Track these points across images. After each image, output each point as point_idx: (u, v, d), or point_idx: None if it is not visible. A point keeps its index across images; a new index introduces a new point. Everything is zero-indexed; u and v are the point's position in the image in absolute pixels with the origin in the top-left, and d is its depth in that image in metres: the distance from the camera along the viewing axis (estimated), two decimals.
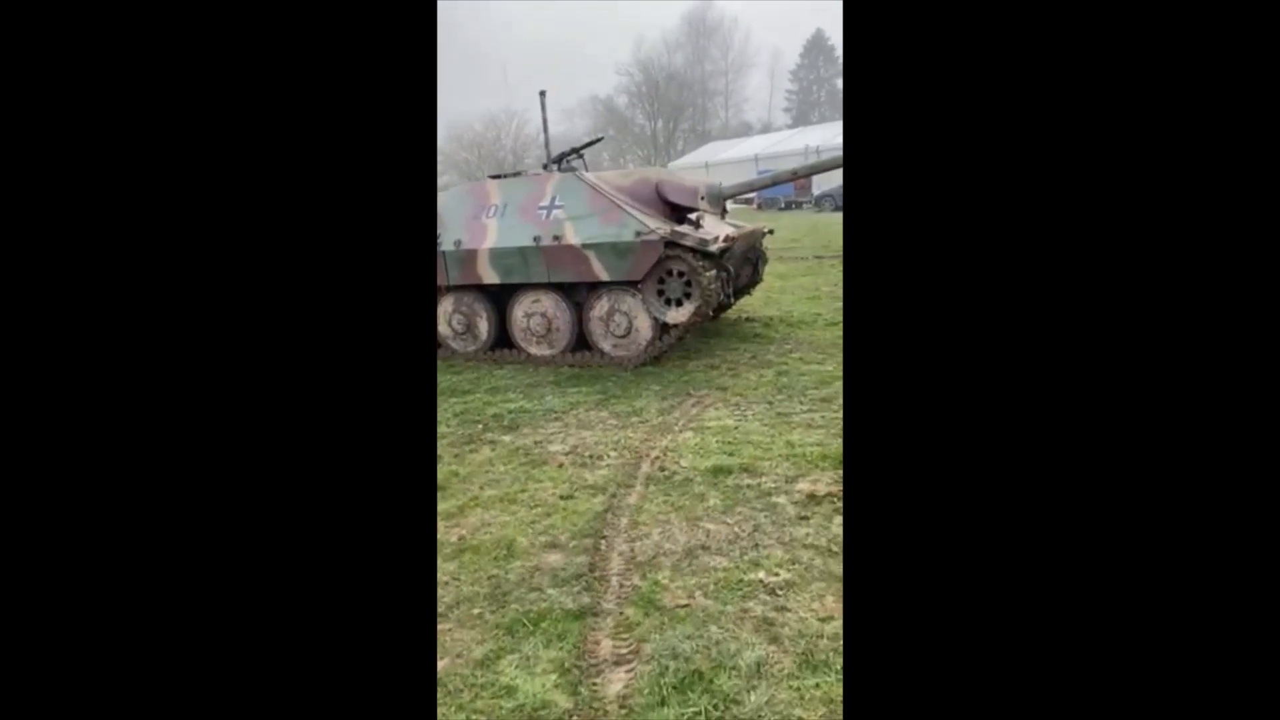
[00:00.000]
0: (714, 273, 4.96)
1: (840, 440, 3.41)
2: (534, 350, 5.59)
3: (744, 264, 6.23)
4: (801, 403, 4.07)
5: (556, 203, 5.38)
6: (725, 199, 5.36)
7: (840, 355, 5.11)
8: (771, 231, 6.82)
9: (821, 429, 3.60)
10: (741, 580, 2.29)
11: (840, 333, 5.79)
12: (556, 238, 5.18)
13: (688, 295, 4.96)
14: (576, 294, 5.42)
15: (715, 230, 5.46)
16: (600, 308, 5.35)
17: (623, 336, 5.30)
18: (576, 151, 6.48)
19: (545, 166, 6.39)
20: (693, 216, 5.19)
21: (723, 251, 5.09)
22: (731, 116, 49.31)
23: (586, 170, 6.24)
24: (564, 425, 4.01)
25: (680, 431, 3.73)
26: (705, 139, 40.49)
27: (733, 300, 5.34)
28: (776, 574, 2.31)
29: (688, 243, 4.84)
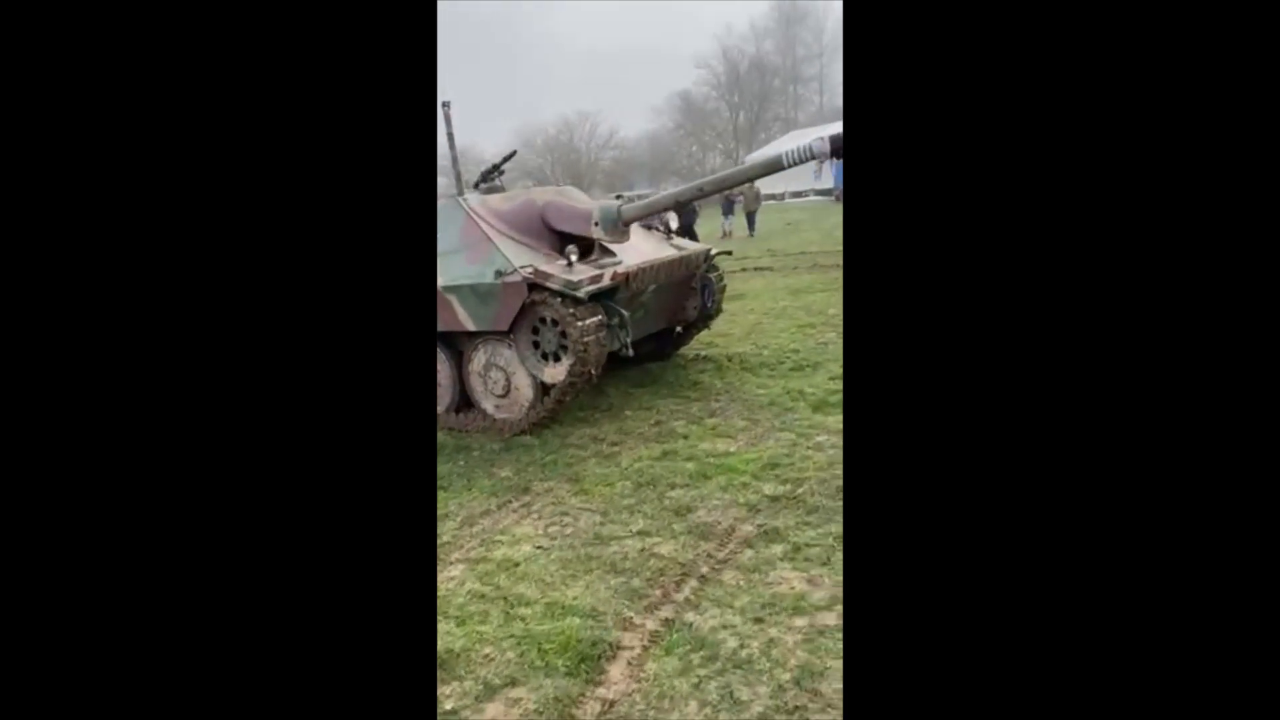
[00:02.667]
0: (593, 320, 3.89)
1: (626, 603, 2.30)
2: None
3: (686, 295, 5.08)
4: (645, 514, 2.95)
5: None
6: (626, 222, 4.24)
7: (769, 420, 3.90)
8: (729, 253, 5.61)
9: (622, 576, 2.49)
10: None
11: (795, 384, 4.54)
12: None
13: (565, 348, 3.93)
14: (458, 343, 4.51)
15: (627, 260, 4.39)
16: (478, 361, 4.41)
17: (503, 396, 4.33)
18: (496, 169, 5.56)
19: (475, 186, 5.55)
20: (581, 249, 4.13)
21: (607, 292, 4.01)
22: (826, 102, 46.63)
23: (504, 189, 5.34)
24: None
25: (451, 564, 2.74)
26: (793, 126, 38.40)
27: (631, 351, 4.20)
28: None
29: (553, 284, 3.80)
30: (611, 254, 4.55)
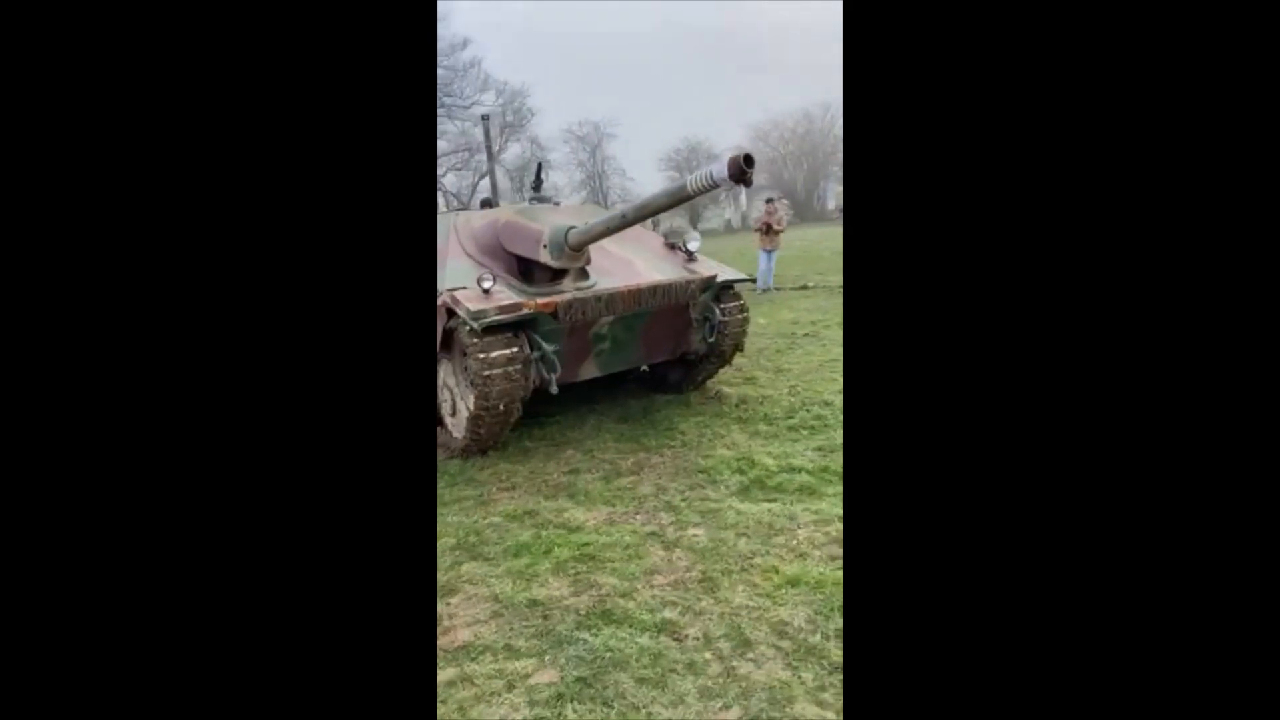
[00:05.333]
0: (501, 354, 3.60)
1: None
2: None
3: (687, 327, 4.47)
4: None
5: None
6: (574, 247, 3.79)
7: (675, 493, 3.29)
8: (753, 280, 4.79)
9: None
10: None
11: (766, 450, 3.78)
12: None
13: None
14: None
15: (602, 284, 3.99)
16: (440, 377, 4.35)
17: (452, 415, 4.24)
18: (538, 179, 5.43)
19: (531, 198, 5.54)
20: (481, 280, 3.75)
21: (527, 322, 3.66)
22: None
23: (546, 198, 5.24)
24: None
25: None
26: None
27: (555, 389, 3.75)
28: None
29: (459, 311, 3.58)
30: (585, 277, 4.18)
